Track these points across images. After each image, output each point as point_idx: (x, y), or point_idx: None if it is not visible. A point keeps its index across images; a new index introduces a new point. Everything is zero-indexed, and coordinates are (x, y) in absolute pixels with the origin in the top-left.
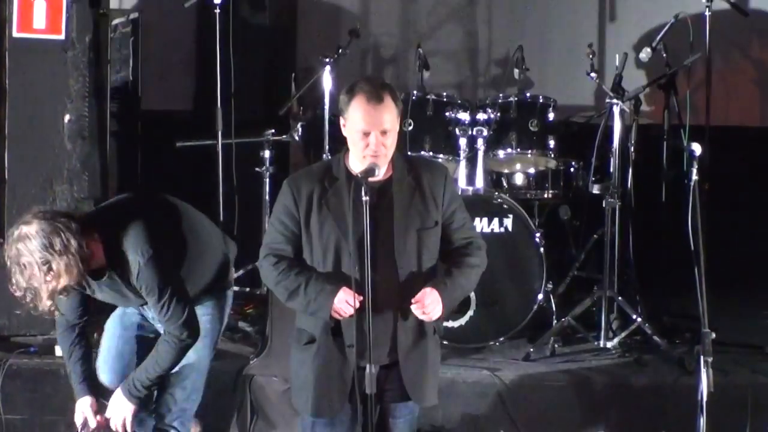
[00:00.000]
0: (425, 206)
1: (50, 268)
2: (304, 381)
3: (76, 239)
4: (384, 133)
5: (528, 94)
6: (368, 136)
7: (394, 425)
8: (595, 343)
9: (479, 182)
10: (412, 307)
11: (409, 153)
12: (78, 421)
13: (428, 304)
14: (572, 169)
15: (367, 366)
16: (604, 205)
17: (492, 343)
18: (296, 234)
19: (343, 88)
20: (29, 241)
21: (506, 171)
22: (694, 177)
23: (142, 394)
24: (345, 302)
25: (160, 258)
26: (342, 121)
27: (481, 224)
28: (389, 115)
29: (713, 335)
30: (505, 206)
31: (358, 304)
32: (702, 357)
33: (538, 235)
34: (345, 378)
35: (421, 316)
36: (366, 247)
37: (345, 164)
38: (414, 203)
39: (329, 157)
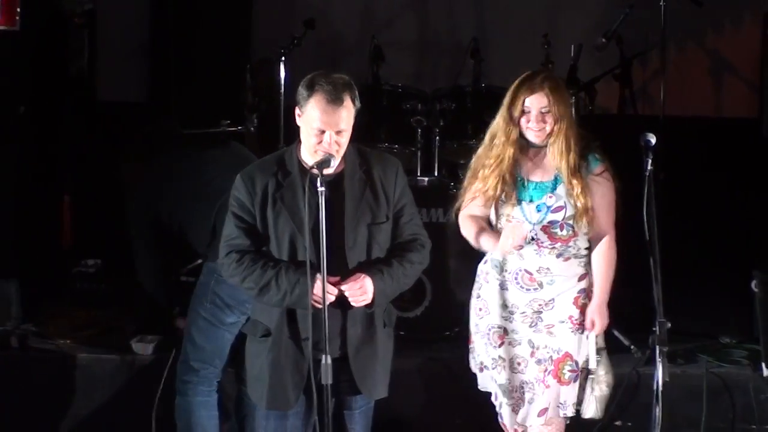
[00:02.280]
0: (376, 201)
1: None
2: (258, 373)
3: None
4: (339, 132)
5: (483, 84)
6: (323, 133)
7: (351, 417)
8: None
9: (435, 172)
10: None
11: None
12: None
13: (356, 289)
14: None
15: (323, 357)
16: None
17: (448, 333)
18: (254, 226)
19: (301, 79)
20: None
21: (462, 161)
22: (650, 167)
23: None
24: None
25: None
26: (298, 112)
27: (437, 214)
28: (346, 116)
29: (669, 325)
30: None
31: (336, 292)
32: (657, 347)
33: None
34: (301, 371)
35: (351, 299)
36: (322, 239)
37: (298, 156)
38: (365, 198)
39: (283, 148)
